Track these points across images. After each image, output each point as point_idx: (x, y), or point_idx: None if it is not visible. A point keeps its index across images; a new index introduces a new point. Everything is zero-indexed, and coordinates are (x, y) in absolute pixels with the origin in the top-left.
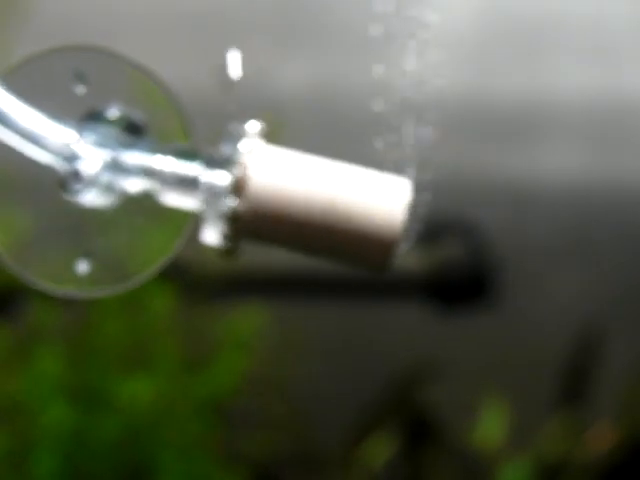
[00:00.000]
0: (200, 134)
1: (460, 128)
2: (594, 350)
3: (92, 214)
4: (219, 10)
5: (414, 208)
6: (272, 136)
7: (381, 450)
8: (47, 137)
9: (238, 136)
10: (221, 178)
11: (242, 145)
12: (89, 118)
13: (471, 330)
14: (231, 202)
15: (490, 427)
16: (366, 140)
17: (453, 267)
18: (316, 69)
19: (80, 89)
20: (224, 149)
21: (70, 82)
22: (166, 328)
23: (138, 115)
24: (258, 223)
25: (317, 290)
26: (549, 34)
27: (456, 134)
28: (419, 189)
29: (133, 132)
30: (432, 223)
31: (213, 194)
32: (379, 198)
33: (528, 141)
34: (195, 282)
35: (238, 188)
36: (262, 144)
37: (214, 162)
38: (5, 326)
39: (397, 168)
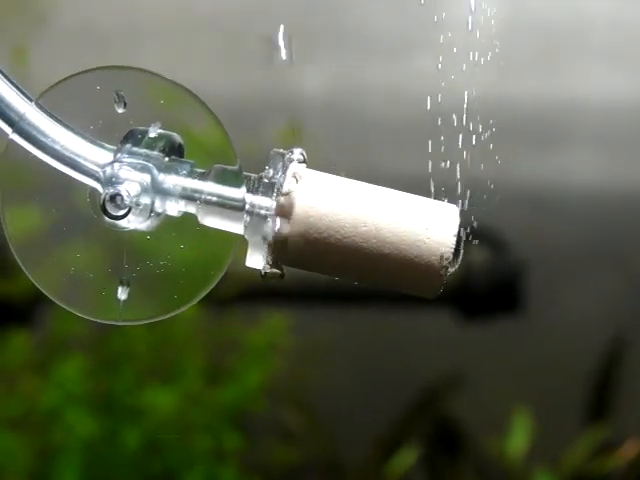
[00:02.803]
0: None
1: (483, 132)
2: (620, 359)
3: (132, 239)
4: (237, 13)
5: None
6: (291, 139)
7: (405, 461)
8: (86, 160)
9: (282, 160)
10: (265, 202)
11: (287, 170)
12: (128, 140)
13: (497, 341)
14: (276, 227)
15: (516, 439)
16: (385, 144)
17: (478, 277)
18: (335, 73)
19: (120, 110)
20: (268, 173)
21: (109, 103)
22: (189, 337)
23: (178, 137)
24: (303, 249)
25: (341, 300)
26: (575, 38)
27: (479, 139)
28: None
29: (173, 154)
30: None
31: (257, 218)
32: (428, 224)
33: (553, 146)
34: (218, 291)
35: (284, 213)
36: (308, 169)
37: (258, 186)
38: (28, 335)
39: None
